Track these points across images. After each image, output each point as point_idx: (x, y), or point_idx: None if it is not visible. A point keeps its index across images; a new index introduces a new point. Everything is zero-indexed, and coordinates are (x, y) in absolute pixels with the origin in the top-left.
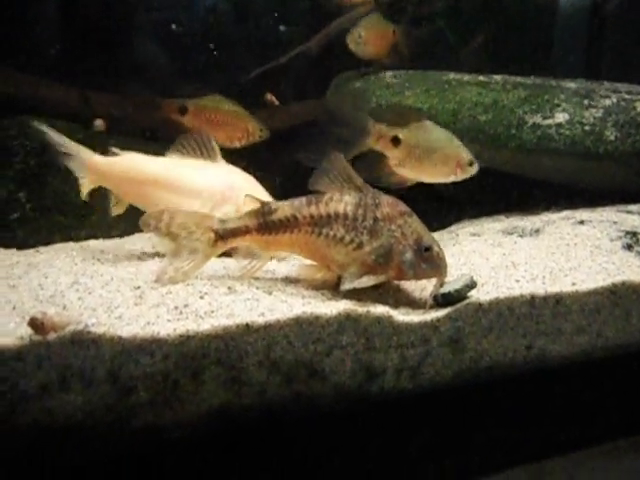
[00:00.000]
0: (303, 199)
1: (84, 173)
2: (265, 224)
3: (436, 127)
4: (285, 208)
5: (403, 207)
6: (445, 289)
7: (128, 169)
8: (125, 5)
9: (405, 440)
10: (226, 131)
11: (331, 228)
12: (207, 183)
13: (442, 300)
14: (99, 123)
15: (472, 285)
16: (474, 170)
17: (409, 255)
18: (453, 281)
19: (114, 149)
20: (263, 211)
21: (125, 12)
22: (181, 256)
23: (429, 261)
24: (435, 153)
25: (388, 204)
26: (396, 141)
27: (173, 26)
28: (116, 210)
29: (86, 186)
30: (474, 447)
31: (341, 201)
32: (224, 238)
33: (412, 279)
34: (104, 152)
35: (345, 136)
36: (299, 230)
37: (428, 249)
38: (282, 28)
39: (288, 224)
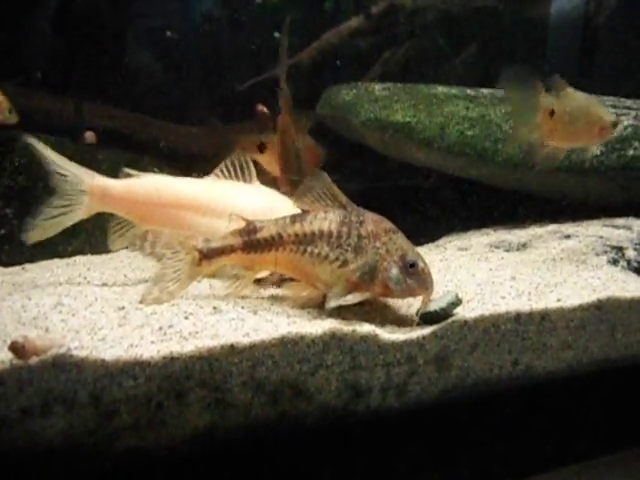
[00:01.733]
0: (287, 217)
1: (82, 198)
2: (250, 243)
3: (577, 93)
4: (270, 227)
5: (387, 224)
6: (430, 307)
7: (155, 191)
8: (120, 15)
9: (392, 458)
10: None
11: (315, 246)
12: (246, 206)
13: (427, 318)
14: (89, 135)
15: (457, 302)
16: (618, 131)
17: (395, 271)
18: (438, 299)
19: (127, 170)
20: (248, 230)
21: (120, 22)
22: (166, 276)
23: (415, 277)
24: (581, 119)
25: (372, 221)
26: (551, 113)
27: (168, 33)
28: (124, 240)
29: (83, 213)
30: (461, 464)
31: (325, 219)
32: (208, 257)
33: (399, 296)
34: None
35: (514, 109)
36: (284, 248)
37: (413, 265)
38: (277, 35)
39: (273, 242)
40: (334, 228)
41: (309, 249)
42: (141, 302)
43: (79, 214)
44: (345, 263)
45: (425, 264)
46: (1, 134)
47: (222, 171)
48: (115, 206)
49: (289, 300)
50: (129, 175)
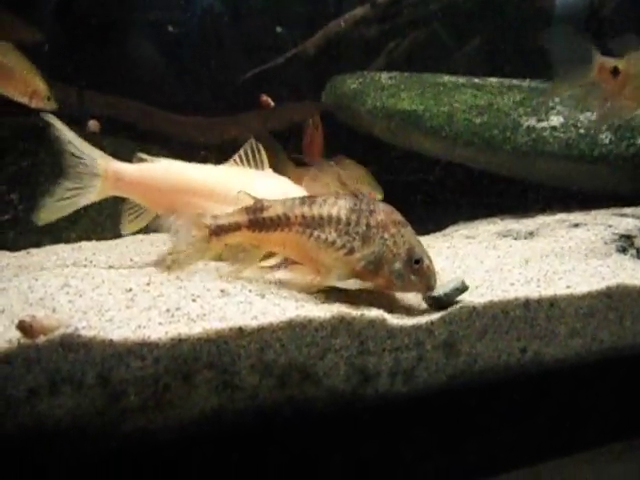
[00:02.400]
0: (297, 199)
1: (95, 181)
2: (256, 221)
3: None
4: (277, 206)
5: (398, 216)
6: (435, 292)
7: (168, 177)
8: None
9: (399, 443)
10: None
11: (323, 231)
12: (260, 192)
13: (432, 303)
14: (93, 124)
15: (463, 288)
16: None
17: (399, 265)
18: (444, 284)
19: (141, 155)
20: (255, 208)
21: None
22: (179, 249)
23: (418, 273)
24: None
25: (383, 212)
26: (615, 72)
27: (170, 27)
28: (136, 224)
29: (95, 196)
30: (469, 450)
31: (335, 204)
32: (217, 234)
33: (400, 290)
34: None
35: (567, 68)
36: (289, 229)
37: (418, 261)
38: (279, 29)
39: (279, 222)
40: (343, 214)
41: (315, 233)
42: (155, 266)
43: (91, 197)
44: (351, 251)
45: (431, 262)
46: (3, 120)
47: (236, 160)
48: (128, 191)
49: (293, 284)
50: (143, 160)
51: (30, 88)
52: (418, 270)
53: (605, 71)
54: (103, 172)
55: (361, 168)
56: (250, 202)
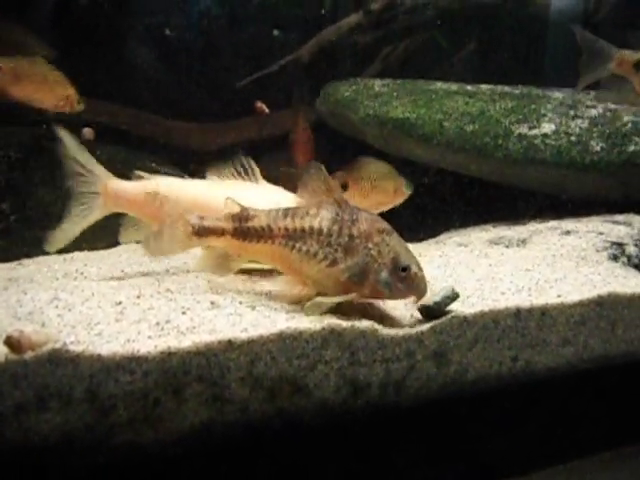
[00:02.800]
0: (280, 210)
1: (97, 200)
2: (240, 229)
3: None
4: (262, 217)
5: (382, 224)
6: (426, 301)
7: (166, 193)
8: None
9: (391, 454)
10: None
11: (304, 243)
12: (257, 204)
13: (424, 311)
14: (87, 131)
15: (453, 297)
16: None
17: (384, 274)
18: (436, 293)
19: (138, 172)
20: (240, 216)
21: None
22: (163, 237)
23: (406, 281)
24: None
25: (366, 221)
26: (638, 66)
27: (167, 31)
28: (135, 235)
29: (98, 214)
30: (460, 460)
31: (317, 215)
32: (199, 234)
33: (389, 299)
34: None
35: (586, 62)
36: (272, 242)
37: (405, 269)
38: (276, 33)
39: (262, 233)
40: (325, 226)
41: (297, 245)
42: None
43: (95, 215)
44: (334, 262)
45: (419, 269)
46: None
47: (227, 172)
48: (128, 207)
49: (282, 297)
50: (141, 177)
51: (64, 94)
52: (405, 278)
53: (626, 64)
54: (103, 190)
55: (385, 165)
56: (237, 210)
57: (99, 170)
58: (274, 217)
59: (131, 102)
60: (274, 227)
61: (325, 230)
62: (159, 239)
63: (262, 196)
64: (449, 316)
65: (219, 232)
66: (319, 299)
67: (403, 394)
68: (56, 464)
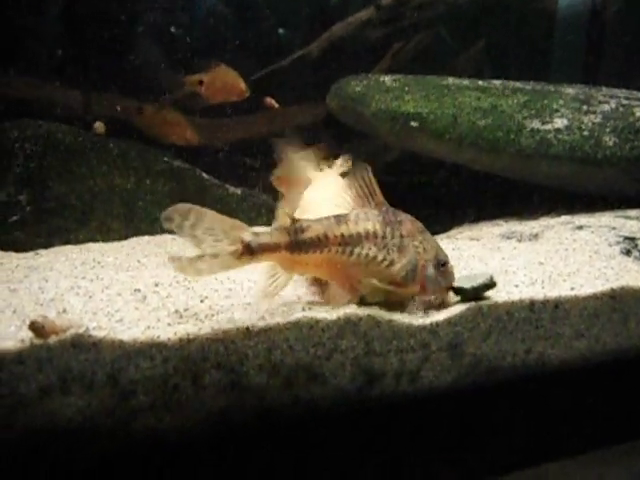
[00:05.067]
0: (332, 218)
1: None
2: (296, 242)
3: None
4: (316, 227)
5: (419, 224)
6: (463, 284)
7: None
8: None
9: (404, 444)
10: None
11: (362, 247)
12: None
13: (460, 294)
14: (99, 125)
15: (491, 284)
16: None
17: (431, 270)
18: (472, 277)
19: None
20: (295, 229)
21: (127, 14)
22: (203, 257)
23: (445, 275)
24: None
25: (408, 221)
26: None
27: (172, 28)
28: None
29: None
30: (472, 451)
31: (368, 220)
32: (253, 252)
33: (431, 294)
34: None
35: None
36: (329, 250)
37: (444, 264)
38: (281, 31)
39: (319, 243)
40: (379, 228)
41: (356, 250)
42: (169, 260)
43: None
44: (392, 263)
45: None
46: (12, 122)
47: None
48: None
49: (329, 303)
50: None
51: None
52: (444, 272)
53: None
54: None
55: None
56: (289, 222)
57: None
58: (328, 225)
59: (139, 95)
60: (330, 235)
61: (380, 233)
62: (198, 258)
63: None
64: (464, 307)
65: (274, 247)
66: (375, 282)
67: (417, 384)
68: (78, 447)
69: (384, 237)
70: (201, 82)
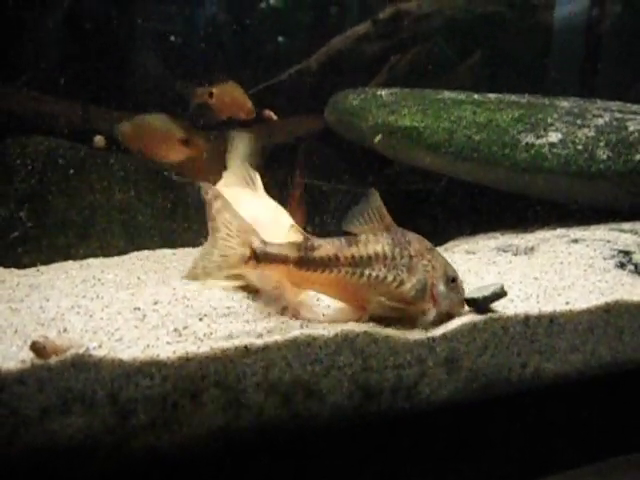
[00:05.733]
0: (343, 239)
1: None
2: (306, 259)
3: None
4: (327, 247)
5: (427, 242)
6: (474, 294)
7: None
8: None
9: (401, 458)
10: None
11: (372, 268)
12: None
13: (471, 304)
14: (99, 139)
15: (502, 293)
16: None
17: (442, 287)
18: (483, 287)
19: None
20: (306, 246)
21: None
22: (211, 256)
23: (455, 291)
24: None
25: (416, 240)
26: None
27: (172, 38)
28: None
29: None
30: (470, 465)
31: (378, 242)
32: (259, 260)
33: (444, 310)
34: None
35: None
36: (339, 271)
37: (454, 280)
38: (280, 39)
39: (328, 263)
40: (388, 250)
41: (367, 272)
42: (186, 276)
43: None
44: (402, 283)
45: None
46: (12, 139)
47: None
48: None
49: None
50: None
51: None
52: (454, 288)
53: None
54: None
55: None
56: (300, 238)
57: None
58: (339, 246)
59: (138, 108)
60: (341, 256)
61: (389, 254)
62: (206, 258)
63: (264, 208)
64: (460, 323)
65: (282, 260)
66: (384, 300)
67: (414, 400)
68: (79, 467)
69: (393, 258)
70: (211, 94)
